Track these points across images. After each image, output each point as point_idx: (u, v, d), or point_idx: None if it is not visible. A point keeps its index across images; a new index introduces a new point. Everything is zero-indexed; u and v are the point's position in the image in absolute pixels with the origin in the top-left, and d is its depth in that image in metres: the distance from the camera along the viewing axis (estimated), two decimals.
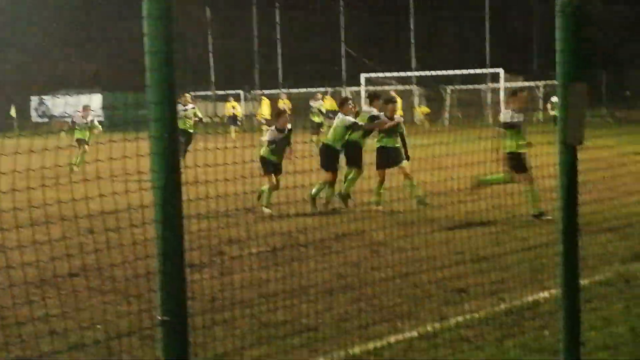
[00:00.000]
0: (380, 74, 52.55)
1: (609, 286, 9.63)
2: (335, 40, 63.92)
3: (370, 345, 7.80)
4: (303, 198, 15.13)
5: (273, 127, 17.42)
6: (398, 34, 63.65)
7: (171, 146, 4.28)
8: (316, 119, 38.90)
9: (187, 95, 29.36)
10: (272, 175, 16.72)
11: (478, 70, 52.54)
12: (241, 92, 61.58)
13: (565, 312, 5.77)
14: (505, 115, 15.29)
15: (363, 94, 45.81)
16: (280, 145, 16.88)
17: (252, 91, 62.05)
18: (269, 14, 66.65)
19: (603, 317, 8.30)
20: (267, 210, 16.13)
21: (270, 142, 16.99)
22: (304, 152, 14.53)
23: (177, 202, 4.31)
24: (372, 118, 17.33)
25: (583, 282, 6.04)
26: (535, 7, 64.41)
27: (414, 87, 55.47)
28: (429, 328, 8.28)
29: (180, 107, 28.00)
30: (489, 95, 51.65)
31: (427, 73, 54.56)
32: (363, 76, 52.64)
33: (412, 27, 62.18)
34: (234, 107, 46.90)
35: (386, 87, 47.87)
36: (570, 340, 5.76)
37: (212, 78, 67.43)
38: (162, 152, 4.28)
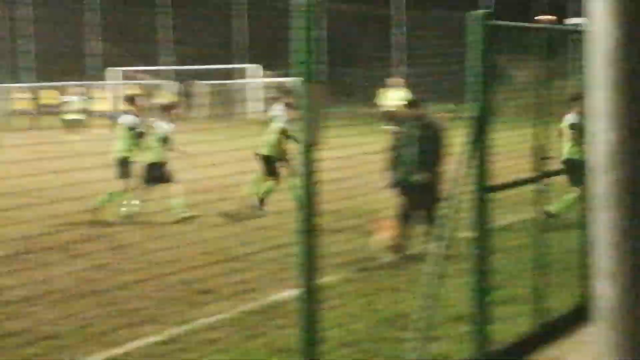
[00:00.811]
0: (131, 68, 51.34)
1: (349, 283, 9.85)
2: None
3: (113, 352, 7.64)
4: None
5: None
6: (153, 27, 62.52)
7: None
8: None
9: None
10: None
11: (236, 66, 52.52)
12: None
13: (303, 310, 5.81)
14: (572, 117, 13.84)
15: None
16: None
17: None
18: None
19: (343, 314, 8.47)
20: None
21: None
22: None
23: None
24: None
25: (323, 280, 6.09)
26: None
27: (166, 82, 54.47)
28: (174, 332, 8.20)
29: None
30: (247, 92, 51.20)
31: (179, 68, 54.02)
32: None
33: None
34: None
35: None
36: (308, 338, 5.81)
37: None
38: None
